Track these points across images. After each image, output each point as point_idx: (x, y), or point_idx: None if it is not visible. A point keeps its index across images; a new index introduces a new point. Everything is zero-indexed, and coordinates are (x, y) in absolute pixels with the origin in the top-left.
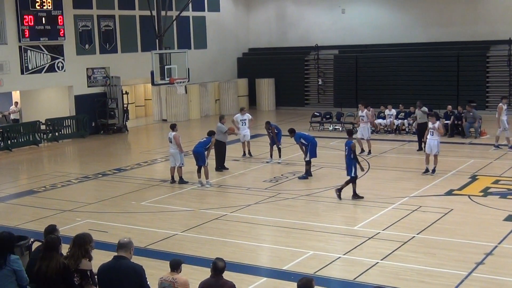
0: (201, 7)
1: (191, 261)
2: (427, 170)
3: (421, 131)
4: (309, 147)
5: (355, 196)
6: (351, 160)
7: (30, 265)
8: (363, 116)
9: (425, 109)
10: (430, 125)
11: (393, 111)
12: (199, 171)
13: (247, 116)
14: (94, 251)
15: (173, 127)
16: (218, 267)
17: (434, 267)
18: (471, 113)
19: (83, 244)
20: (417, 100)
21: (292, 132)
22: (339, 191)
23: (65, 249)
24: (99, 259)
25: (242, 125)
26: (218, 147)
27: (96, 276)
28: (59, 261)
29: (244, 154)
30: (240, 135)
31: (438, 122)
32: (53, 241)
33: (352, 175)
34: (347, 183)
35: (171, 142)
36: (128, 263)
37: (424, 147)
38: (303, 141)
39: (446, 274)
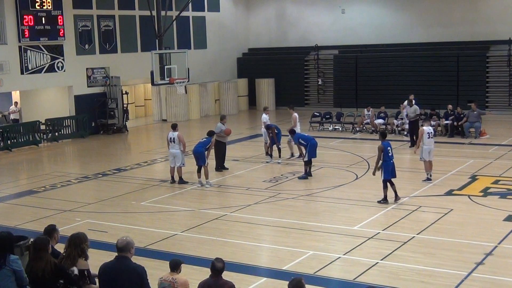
0: (201, 7)
1: (191, 261)
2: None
3: (412, 128)
4: (308, 147)
5: (386, 199)
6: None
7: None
8: (291, 120)
9: (416, 107)
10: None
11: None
12: (199, 171)
13: None
14: (93, 251)
15: (174, 127)
16: (217, 267)
17: (434, 267)
18: (475, 112)
19: (79, 244)
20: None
21: (292, 132)
22: (397, 197)
23: (61, 249)
24: (98, 259)
25: None
26: (218, 147)
27: (97, 277)
28: (49, 260)
29: (267, 153)
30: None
31: (422, 128)
32: (41, 241)
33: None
34: (387, 185)
35: (173, 142)
36: (130, 263)
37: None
38: (302, 141)
39: (446, 274)
